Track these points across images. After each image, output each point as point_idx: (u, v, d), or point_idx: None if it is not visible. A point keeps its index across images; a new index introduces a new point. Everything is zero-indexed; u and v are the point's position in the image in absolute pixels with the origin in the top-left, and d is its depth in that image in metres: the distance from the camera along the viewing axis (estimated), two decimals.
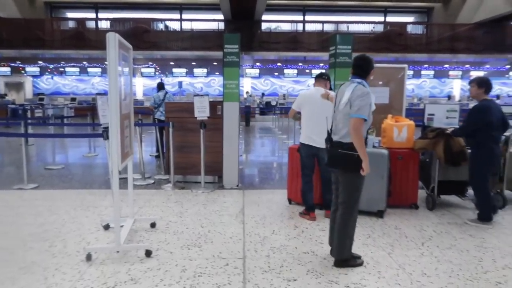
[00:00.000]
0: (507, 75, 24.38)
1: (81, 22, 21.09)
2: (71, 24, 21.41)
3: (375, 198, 4.42)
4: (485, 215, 4.25)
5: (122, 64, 3.45)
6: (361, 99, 2.99)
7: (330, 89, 4.62)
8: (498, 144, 4.32)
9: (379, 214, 4.47)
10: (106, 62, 3.11)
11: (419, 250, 3.59)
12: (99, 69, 23.03)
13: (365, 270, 3.16)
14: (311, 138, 4.28)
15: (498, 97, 21.82)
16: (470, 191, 4.67)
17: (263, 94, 22.46)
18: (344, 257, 3.21)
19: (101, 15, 22.60)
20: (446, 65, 23.09)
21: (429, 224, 4.28)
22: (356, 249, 3.55)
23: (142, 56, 21.16)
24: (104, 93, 5.08)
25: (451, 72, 23.53)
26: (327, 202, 4.42)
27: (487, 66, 23.60)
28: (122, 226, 3.66)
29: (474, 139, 4.25)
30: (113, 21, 20.12)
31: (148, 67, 23.20)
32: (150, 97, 8.99)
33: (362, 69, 3.18)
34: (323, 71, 4.51)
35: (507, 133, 5.02)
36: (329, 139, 3.26)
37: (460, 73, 23.20)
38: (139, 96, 22.88)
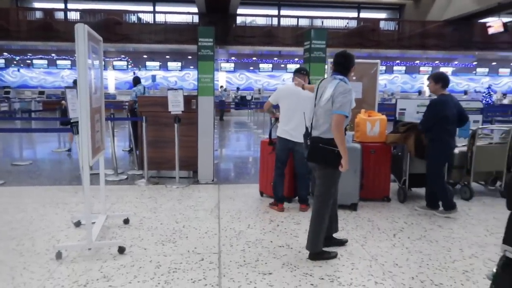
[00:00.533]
0: (474, 72, 25.25)
1: (49, 12, 20.32)
2: (38, 14, 20.58)
3: (349, 191, 4.49)
4: (448, 204, 4.39)
5: (92, 56, 3.35)
6: (343, 96, 3.03)
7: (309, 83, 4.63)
8: (453, 137, 4.41)
9: (353, 207, 4.55)
10: (76, 55, 3.01)
11: (391, 241, 3.68)
12: (69, 62, 22.31)
13: (339, 262, 3.21)
14: (288, 132, 4.32)
15: (465, 92, 22.59)
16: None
17: (238, 89, 22.39)
18: (318, 250, 3.25)
19: (70, 5, 21.87)
20: (417, 61, 23.70)
21: (401, 216, 4.39)
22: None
23: (114, 49, 20.67)
24: (74, 86, 4.93)
25: (422, 68, 24.16)
26: (302, 197, 4.52)
27: (456, 62, 24.38)
28: (93, 223, 3.57)
29: (430, 132, 4.36)
30: (83, 12, 19.50)
31: (121, 60, 22.67)
32: (131, 91, 8.86)
33: (343, 66, 3.22)
34: (299, 66, 4.55)
35: (473, 127, 5.22)
36: (307, 134, 3.28)
37: (430, 69, 23.85)
38: (111, 90, 22.35)
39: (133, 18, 20.09)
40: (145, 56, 22.86)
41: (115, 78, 23.07)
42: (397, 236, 3.80)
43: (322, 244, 3.28)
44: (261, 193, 5.08)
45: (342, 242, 3.54)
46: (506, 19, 17.56)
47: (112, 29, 18.17)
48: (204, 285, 2.81)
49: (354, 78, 5.82)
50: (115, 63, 22.67)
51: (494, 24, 17.87)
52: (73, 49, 2.98)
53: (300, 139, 3.90)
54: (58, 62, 22.47)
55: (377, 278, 2.96)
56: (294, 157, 4.46)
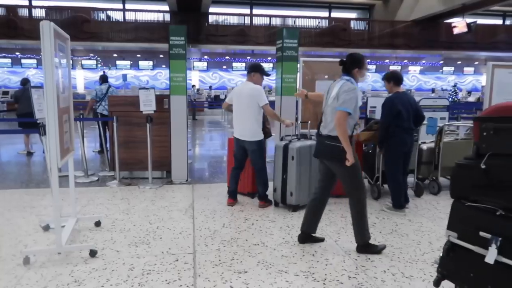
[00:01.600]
0: (441, 70, 26.14)
1: (12, 9, 19.50)
2: (0, 11, 19.73)
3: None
4: (398, 203, 4.48)
5: (59, 55, 3.25)
6: (346, 93, 3.14)
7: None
8: (409, 133, 4.46)
9: None
10: (41, 53, 2.90)
11: None
12: (35, 61, 21.53)
13: (313, 259, 3.25)
14: (237, 131, 4.48)
15: (433, 90, 23.38)
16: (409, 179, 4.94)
17: (210, 87, 22.25)
18: (364, 242, 3.37)
19: (35, 2, 21.07)
20: (387, 60, 24.29)
21: (372, 211, 4.48)
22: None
23: (82, 47, 20.10)
24: (40, 86, 4.76)
25: (391, 67, 24.76)
26: (259, 193, 4.60)
27: (423, 61, 25.16)
28: (63, 226, 3.47)
29: (387, 130, 4.41)
30: (48, 9, 18.82)
31: (90, 59, 22.09)
32: (92, 90, 8.55)
33: (345, 67, 3.32)
34: (253, 63, 4.65)
35: (440, 124, 5.40)
36: (318, 132, 3.42)
37: (399, 67, 24.49)
38: (80, 89, 21.74)
39: (102, 16, 19.56)
40: (115, 55, 22.35)
41: (84, 77, 22.47)
42: (370, 231, 3.88)
43: (369, 234, 3.40)
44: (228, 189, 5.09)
45: (319, 240, 3.62)
46: (469, 20, 18.25)
47: (80, 27, 17.65)
48: (179, 285, 2.78)
49: (326, 77, 5.93)
50: (83, 62, 22.07)
51: (459, 25, 18.53)
52: (39, 48, 2.87)
53: (248, 137, 4.35)
54: (23, 61, 21.65)
55: (350, 272, 3.02)
56: (248, 154, 4.53)
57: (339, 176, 3.35)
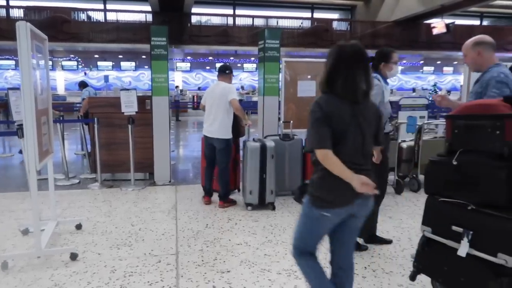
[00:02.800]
0: (421, 70, 26.62)
1: None
2: None
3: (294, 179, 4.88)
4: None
5: (36, 56, 3.21)
6: None
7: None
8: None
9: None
10: (18, 54, 2.86)
11: None
12: (13, 62, 21.07)
13: None
14: (207, 129, 4.58)
15: (414, 90, 23.78)
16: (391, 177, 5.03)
17: (199, 88, 22.16)
18: (371, 232, 3.52)
19: (13, 2, 20.62)
20: None
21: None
22: (287, 237, 3.70)
23: (62, 48, 19.76)
24: (18, 88, 4.68)
25: None
26: (219, 193, 4.63)
27: (404, 61, 25.56)
28: (43, 230, 3.43)
29: None
30: (27, 9, 18.45)
31: (70, 60, 21.73)
32: (81, 93, 8.76)
33: (372, 64, 3.32)
34: (223, 64, 4.77)
35: (419, 123, 5.52)
36: None
37: None
38: (61, 91, 21.37)
39: (83, 16, 19.28)
40: (96, 56, 22.04)
41: (64, 78, 22.08)
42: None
43: (375, 228, 3.56)
44: (204, 188, 5.11)
45: (386, 241, 3.63)
46: (448, 21, 18.64)
47: (60, 28, 17.34)
48: (162, 287, 2.78)
49: (309, 77, 5.98)
50: (64, 63, 21.68)
51: (438, 25, 18.91)
52: (17, 49, 2.83)
53: (215, 135, 4.46)
54: (1, 62, 21.17)
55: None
56: (216, 152, 4.58)
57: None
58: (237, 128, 4.71)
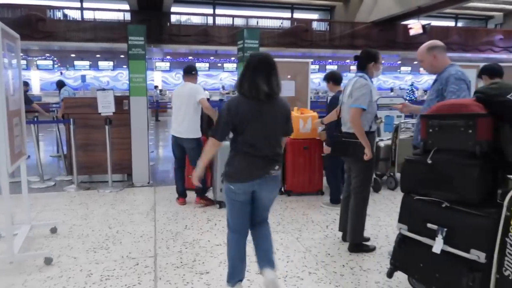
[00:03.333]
0: (398, 70, 27.11)
1: None
2: None
3: None
4: (335, 198, 4.65)
5: (8, 55, 3.11)
6: (358, 90, 3.19)
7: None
8: None
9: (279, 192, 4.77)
10: None
11: (324, 232, 3.85)
12: None
13: (275, 256, 3.28)
14: (175, 129, 4.58)
15: (391, 89, 24.21)
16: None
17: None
18: (357, 241, 3.38)
19: None
20: (348, 60, 24.88)
21: (333, 208, 4.59)
22: None
23: (37, 47, 19.23)
24: None
25: (352, 67, 25.38)
26: (198, 190, 4.62)
27: (382, 61, 25.92)
28: (16, 234, 3.32)
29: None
30: (0, 7, 17.90)
31: (46, 59, 21.17)
32: (59, 93, 8.53)
33: (360, 63, 3.38)
34: (188, 65, 4.84)
35: (396, 122, 5.61)
36: (338, 130, 3.48)
37: None
38: (36, 91, 20.81)
39: (59, 15, 18.81)
40: (73, 55, 21.55)
41: (40, 78, 21.51)
42: (330, 227, 3.99)
43: (362, 236, 3.42)
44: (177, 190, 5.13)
45: (371, 249, 3.46)
46: (424, 22, 19.05)
47: (35, 26, 16.88)
48: None
49: (288, 77, 6.01)
50: (39, 62, 21.12)
51: (414, 26, 19.30)
52: None
53: (185, 135, 4.47)
54: None
55: (311, 268, 3.09)
56: (186, 152, 4.61)
57: (355, 171, 3.36)
58: (210, 126, 4.70)
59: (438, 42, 2.95)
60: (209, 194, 4.80)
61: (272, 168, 2.43)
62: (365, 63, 3.37)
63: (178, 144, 4.61)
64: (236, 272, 2.61)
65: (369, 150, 3.18)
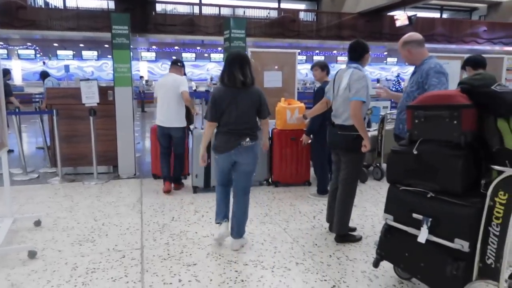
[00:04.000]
0: (385, 61, 27.28)
1: None
2: None
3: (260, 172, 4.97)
4: (323, 188, 4.69)
5: None
6: (358, 82, 3.16)
7: (185, 74, 5.02)
8: None
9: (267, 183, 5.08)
10: None
11: (311, 223, 3.88)
12: None
13: (262, 247, 3.30)
14: (160, 119, 4.68)
15: (378, 80, 24.38)
16: None
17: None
18: (344, 232, 3.39)
19: None
20: (335, 51, 24.92)
21: (320, 199, 4.62)
22: (254, 228, 3.70)
23: (18, 36, 18.74)
24: None
25: (339, 58, 25.47)
26: (176, 176, 4.89)
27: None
28: None
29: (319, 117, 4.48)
30: None
31: (27, 48, 20.66)
32: (43, 83, 8.36)
33: (357, 53, 3.33)
34: (174, 58, 4.86)
35: (382, 113, 5.65)
36: (330, 123, 3.42)
37: (346, 58, 25.21)
38: (18, 81, 20.32)
39: (40, 2, 18.34)
40: (55, 45, 21.06)
41: (21, 68, 20.99)
42: (317, 218, 4.01)
43: (348, 227, 3.42)
44: (154, 176, 5.42)
45: (357, 239, 3.47)
46: (410, 13, 19.18)
47: (15, 14, 16.43)
48: (126, 282, 2.72)
49: (275, 67, 5.98)
50: (20, 51, 20.59)
51: (400, 17, 19.44)
52: None
53: (171, 124, 4.63)
54: None
55: (298, 259, 3.10)
56: (172, 140, 4.76)
57: (346, 163, 3.34)
58: (188, 117, 4.88)
59: (414, 37, 2.99)
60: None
61: (243, 140, 3.07)
62: (362, 54, 3.36)
63: (165, 134, 4.71)
64: (220, 211, 3.34)
65: (368, 142, 3.20)
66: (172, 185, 4.84)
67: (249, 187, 3.28)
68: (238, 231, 3.25)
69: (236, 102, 3.04)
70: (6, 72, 7.51)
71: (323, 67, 4.71)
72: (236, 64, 3.04)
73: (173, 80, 4.64)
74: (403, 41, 3.01)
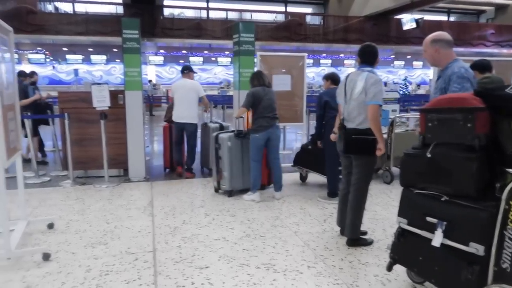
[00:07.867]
0: (392, 64, 27.21)
1: None
2: None
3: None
4: (333, 191, 4.66)
5: (1, 49, 3.07)
6: (374, 86, 3.17)
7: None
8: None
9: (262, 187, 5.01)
10: None
11: (322, 226, 3.88)
12: None
13: (274, 251, 3.31)
14: (180, 116, 5.57)
15: (385, 84, 24.28)
16: None
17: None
18: (355, 236, 3.39)
19: None
20: (342, 55, 24.93)
21: (329, 202, 4.61)
22: (265, 231, 3.71)
23: (28, 41, 18.99)
24: None
25: (346, 61, 25.47)
26: (189, 166, 5.80)
27: None
28: (12, 230, 3.30)
29: (320, 120, 4.61)
30: None
31: (37, 53, 20.93)
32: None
33: (371, 56, 3.32)
34: (185, 65, 5.74)
35: (391, 116, 5.64)
36: (343, 127, 3.39)
37: (353, 62, 25.21)
38: None
39: (50, 7, 18.57)
40: (65, 49, 21.32)
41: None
42: (327, 222, 4.01)
43: (360, 230, 3.43)
44: (165, 169, 6.26)
45: (368, 243, 3.47)
46: (417, 16, 19.09)
47: (25, 19, 16.64)
48: (139, 285, 2.74)
49: (283, 71, 6.00)
50: (30, 56, 20.86)
51: (406, 21, 19.34)
52: None
53: (187, 120, 5.58)
54: None
55: (310, 262, 3.10)
56: (186, 134, 5.70)
57: (358, 167, 3.32)
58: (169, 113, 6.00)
59: (444, 36, 2.81)
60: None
61: (274, 122, 4.58)
62: (375, 58, 3.36)
63: (181, 129, 5.66)
64: (257, 184, 4.64)
65: (383, 146, 3.21)
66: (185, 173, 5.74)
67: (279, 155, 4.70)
68: (279, 186, 4.70)
69: (265, 97, 4.52)
70: (31, 74, 7.35)
71: (326, 78, 4.81)
72: (260, 77, 4.66)
73: (192, 83, 5.64)
74: (432, 39, 2.80)
